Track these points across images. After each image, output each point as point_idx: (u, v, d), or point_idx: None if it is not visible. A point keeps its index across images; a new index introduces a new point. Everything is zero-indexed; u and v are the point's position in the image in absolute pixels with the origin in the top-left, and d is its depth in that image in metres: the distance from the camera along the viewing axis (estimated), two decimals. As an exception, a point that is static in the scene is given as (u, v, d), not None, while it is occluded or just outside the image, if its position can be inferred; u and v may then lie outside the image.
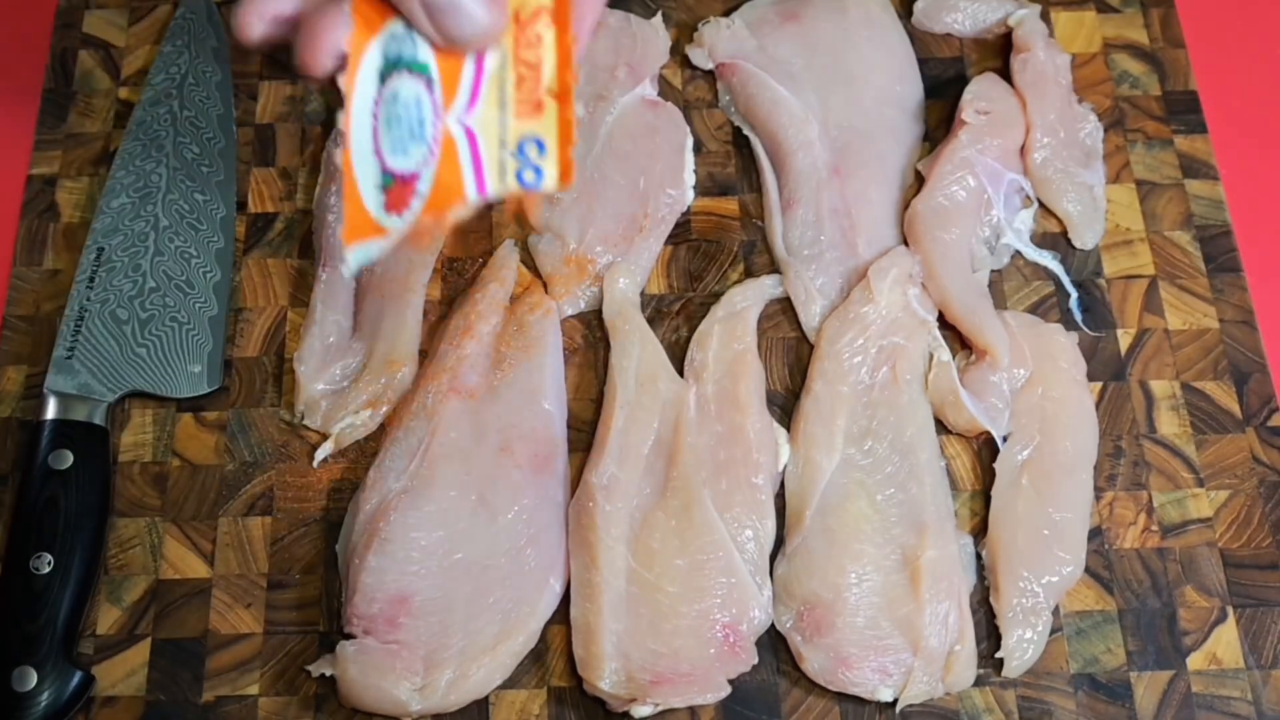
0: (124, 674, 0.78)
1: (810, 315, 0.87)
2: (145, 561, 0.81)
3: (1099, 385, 0.86)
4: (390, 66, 0.62)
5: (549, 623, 0.78)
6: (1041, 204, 0.91)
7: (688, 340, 0.86)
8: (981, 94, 0.91)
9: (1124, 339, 0.87)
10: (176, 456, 0.84)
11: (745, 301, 0.87)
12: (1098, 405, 0.85)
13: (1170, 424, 0.84)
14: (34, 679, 0.74)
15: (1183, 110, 0.95)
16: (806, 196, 0.89)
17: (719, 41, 0.95)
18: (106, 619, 0.79)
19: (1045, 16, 0.97)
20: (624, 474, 0.80)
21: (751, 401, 0.83)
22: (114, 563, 0.81)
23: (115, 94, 0.96)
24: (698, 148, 0.93)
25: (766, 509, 0.80)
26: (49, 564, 0.77)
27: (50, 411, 0.82)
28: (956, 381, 0.83)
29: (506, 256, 0.89)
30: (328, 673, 0.76)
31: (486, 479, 0.80)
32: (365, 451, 0.84)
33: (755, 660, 0.77)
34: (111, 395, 0.83)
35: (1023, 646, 0.77)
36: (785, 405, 0.85)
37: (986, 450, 0.84)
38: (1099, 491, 0.82)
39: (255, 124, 0.95)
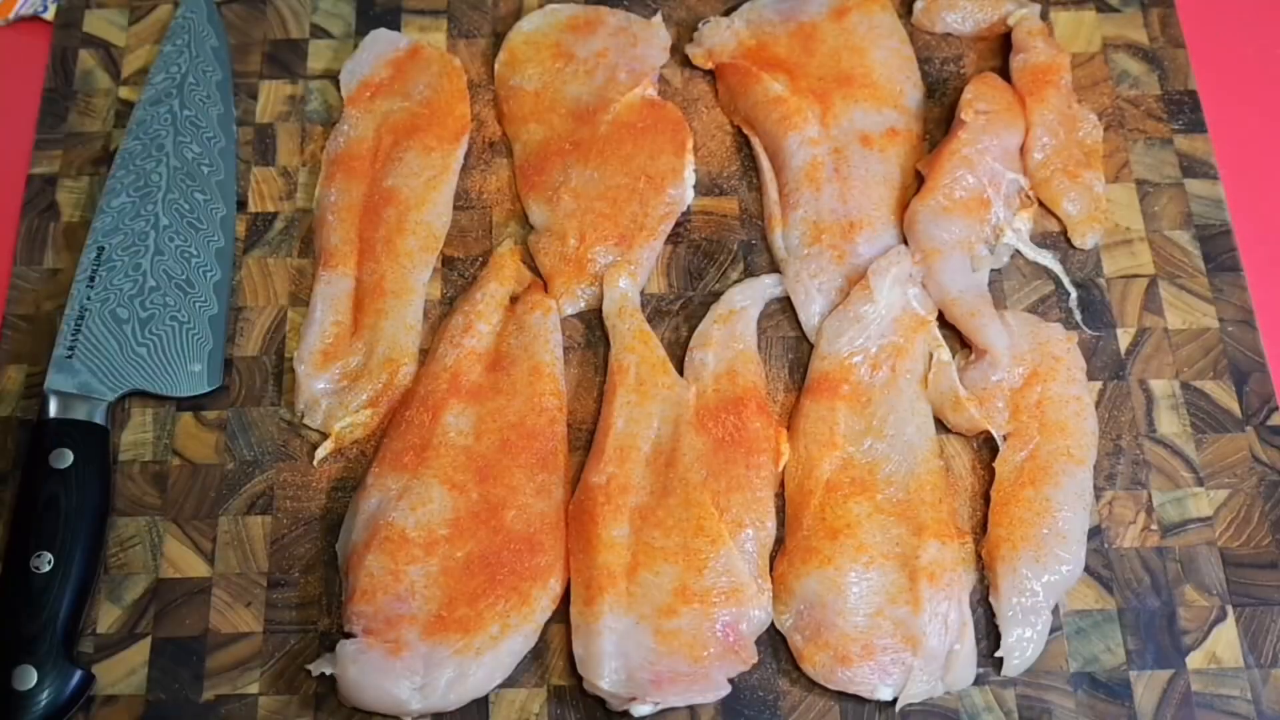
0: (124, 673, 0.78)
1: (810, 315, 0.87)
2: (145, 560, 0.81)
3: (1099, 385, 0.86)
4: None
5: (549, 622, 0.78)
6: (1041, 204, 0.91)
7: (688, 340, 0.86)
8: (981, 94, 0.91)
9: (1124, 338, 0.87)
10: (176, 455, 0.84)
11: (745, 301, 0.87)
12: (1098, 405, 0.85)
13: (1170, 423, 0.84)
14: (34, 678, 0.74)
15: (1183, 110, 0.95)
16: (806, 196, 0.89)
17: (719, 41, 0.95)
18: (107, 618, 0.79)
19: (1045, 16, 0.97)
20: (624, 474, 0.80)
21: (751, 401, 0.83)
22: (114, 562, 0.81)
23: (115, 94, 0.96)
24: (698, 148, 0.93)
25: (766, 509, 0.80)
26: (49, 563, 0.77)
27: (51, 410, 0.82)
28: (956, 381, 0.83)
29: (506, 256, 0.89)
30: (328, 672, 0.76)
31: (486, 478, 0.80)
32: (365, 451, 0.84)
33: (755, 660, 0.77)
34: (112, 394, 0.83)
35: (1022, 645, 0.77)
36: (785, 405, 0.85)
37: (986, 450, 0.84)
38: (1099, 491, 0.82)
39: (255, 124, 0.95)
